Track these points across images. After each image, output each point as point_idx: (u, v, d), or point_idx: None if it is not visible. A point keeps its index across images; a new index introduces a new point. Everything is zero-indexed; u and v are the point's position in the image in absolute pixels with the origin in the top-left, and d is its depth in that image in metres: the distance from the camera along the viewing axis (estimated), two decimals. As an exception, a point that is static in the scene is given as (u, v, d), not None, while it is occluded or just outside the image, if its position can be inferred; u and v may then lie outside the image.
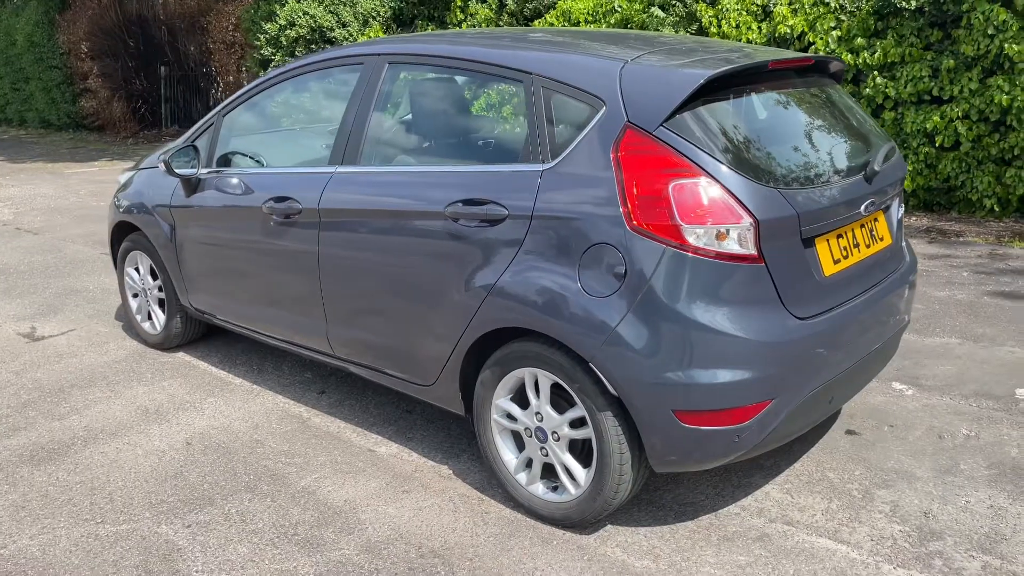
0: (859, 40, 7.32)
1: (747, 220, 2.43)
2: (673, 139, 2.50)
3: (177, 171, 3.85)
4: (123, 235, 4.65)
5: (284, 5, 12.41)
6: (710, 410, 2.50)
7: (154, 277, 4.51)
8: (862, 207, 2.81)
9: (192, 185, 3.96)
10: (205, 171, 3.89)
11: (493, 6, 10.19)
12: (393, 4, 11.40)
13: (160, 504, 3.10)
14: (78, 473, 3.34)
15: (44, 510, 3.09)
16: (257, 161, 3.88)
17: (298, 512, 3.02)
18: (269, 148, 3.95)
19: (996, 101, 6.75)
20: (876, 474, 3.14)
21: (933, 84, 7.04)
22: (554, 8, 9.53)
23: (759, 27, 7.86)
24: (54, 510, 3.08)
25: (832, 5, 7.44)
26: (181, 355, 4.57)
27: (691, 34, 8.29)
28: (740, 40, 7.89)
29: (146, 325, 4.67)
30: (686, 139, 2.50)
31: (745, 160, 2.55)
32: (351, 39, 11.53)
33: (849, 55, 7.36)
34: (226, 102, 3.96)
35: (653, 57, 2.74)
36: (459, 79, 3.20)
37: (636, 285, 2.48)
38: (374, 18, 11.41)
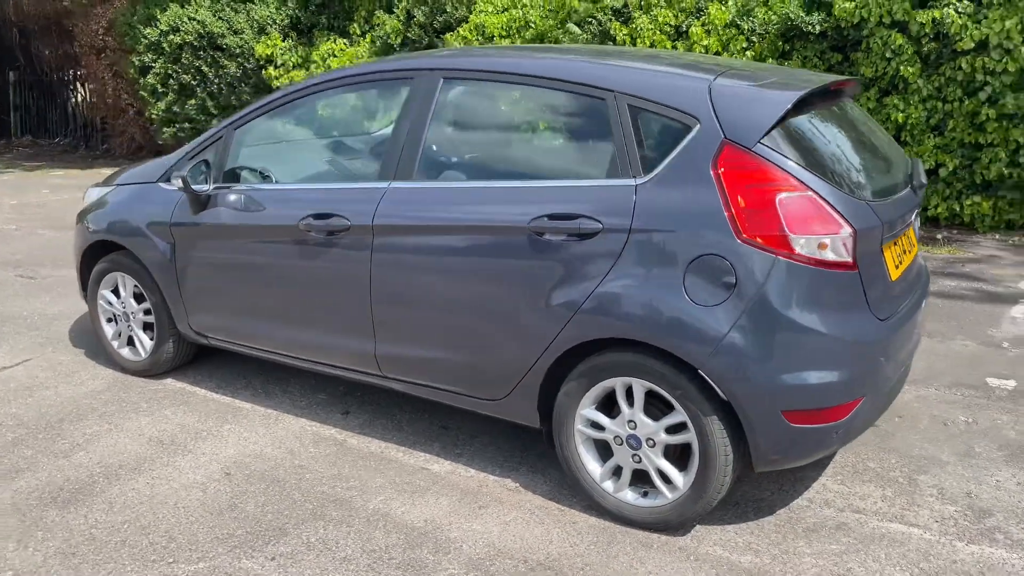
0: (769, 61, 7.82)
1: (847, 230, 2.62)
2: (771, 155, 2.66)
3: (195, 188, 3.65)
4: (96, 256, 4.34)
5: (166, 9, 11.86)
6: (816, 409, 2.66)
7: (138, 300, 4.23)
8: (912, 216, 3.07)
9: (202, 202, 3.77)
10: (229, 188, 3.71)
11: (401, 17, 10.16)
12: (291, 12, 11.12)
13: (229, 538, 2.96)
14: (117, 512, 3.13)
15: (99, 555, 2.88)
16: (266, 176, 3.75)
17: (382, 536, 2.96)
18: (291, 163, 3.83)
19: (892, 119, 7.39)
20: (909, 461, 3.41)
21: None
22: (466, 22, 9.61)
23: (673, 46, 8.22)
24: (111, 553, 2.88)
25: (744, 27, 7.90)
26: (170, 382, 4.32)
27: (608, 50, 8.55)
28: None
29: (125, 351, 4.38)
30: (782, 154, 2.66)
31: (833, 173, 2.74)
32: (245, 47, 11.16)
33: (763, 73, 7.83)
34: (237, 115, 3.80)
35: (730, 78, 2.88)
36: (528, 94, 3.23)
37: (746, 293, 2.61)
38: (271, 25, 11.09)
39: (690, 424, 2.78)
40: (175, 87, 12.17)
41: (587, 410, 2.99)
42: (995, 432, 3.66)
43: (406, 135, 3.28)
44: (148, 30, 11.94)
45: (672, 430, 2.85)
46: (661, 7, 8.50)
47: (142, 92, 12.47)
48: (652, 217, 2.75)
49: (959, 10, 6.96)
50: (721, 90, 2.79)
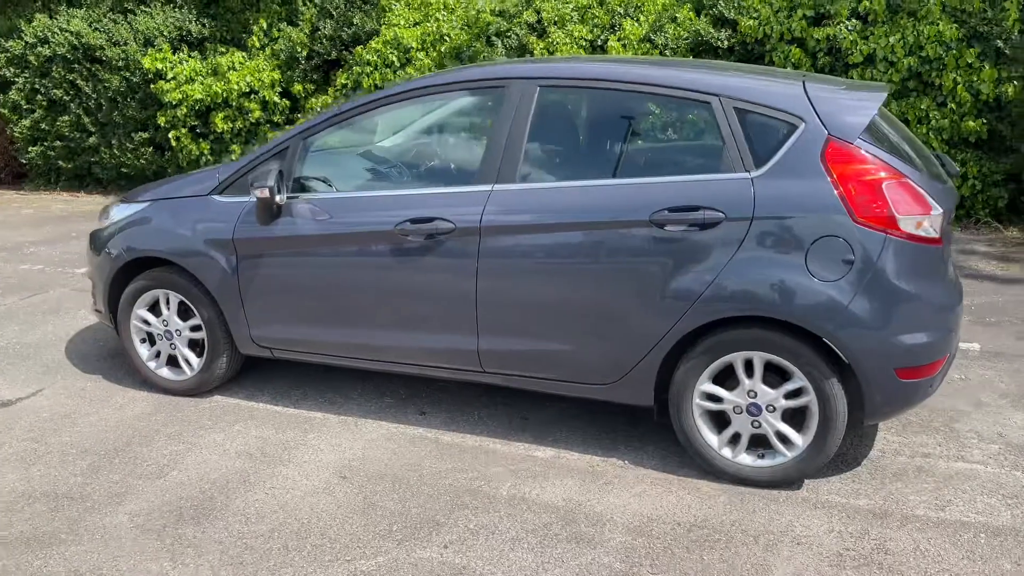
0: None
1: (937, 210, 3.10)
2: (869, 147, 3.10)
3: (280, 197, 3.66)
4: (128, 276, 4.20)
5: (31, 20, 11.13)
6: (919, 366, 3.12)
7: (182, 318, 4.14)
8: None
9: (274, 212, 3.78)
10: (312, 197, 3.74)
11: (306, 30, 10.09)
12: (180, 24, 10.75)
13: (390, 533, 3.05)
14: (256, 523, 3.13)
15: (269, 560, 2.90)
16: (340, 185, 3.83)
17: (533, 516, 3.14)
18: (368, 171, 3.90)
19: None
20: (939, 413, 3.96)
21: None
22: (378, 35, 9.69)
23: (594, 58, 8.69)
24: (281, 558, 2.91)
25: (657, 42, 8.51)
26: (220, 399, 4.24)
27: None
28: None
29: (164, 372, 4.26)
30: (877, 147, 3.11)
31: (913, 162, 3.22)
32: (129, 60, 10.65)
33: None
34: (306, 125, 3.84)
35: (814, 83, 3.31)
36: (629, 100, 3.50)
37: (863, 268, 3.03)
38: (158, 37, 10.67)
39: (809, 388, 3.16)
40: (43, 103, 11.43)
41: (705, 385, 3.30)
42: (989, 385, 4.29)
43: (506, 140, 3.47)
44: (11, 43, 11.15)
45: (790, 396, 3.21)
46: (574, 22, 8.96)
47: (1, 109, 11.60)
48: (772, 206, 3.11)
49: (850, 28, 7.84)
50: (816, 93, 3.21)
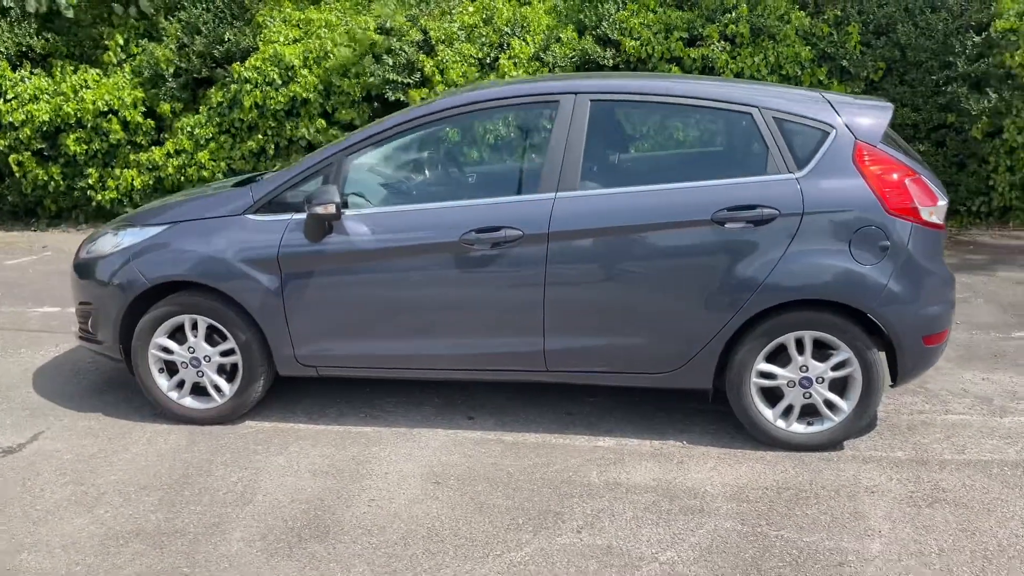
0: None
1: (943, 202, 3.70)
2: (887, 150, 3.66)
3: (330, 213, 3.67)
4: (144, 304, 4.03)
5: None
6: (939, 332, 3.70)
7: (210, 343, 4.03)
8: None
9: (326, 228, 3.80)
10: (370, 212, 3.79)
11: (172, 46, 9.69)
12: (19, 39, 9.94)
13: (519, 526, 3.21)
14: (379, 534, 3.19)
15: (421, 564, 2.98)
16: (376, 199, 3.92)
17: (638, 496, 3.41)
18: (420, 185, 3.99)
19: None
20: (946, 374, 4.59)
21: (631, 122, 9.02)
22: (255, 51, 9.50)
23: (480, 77, 8.98)
24: (433, 561, 3.00)
25: (547, 61, 8.99)
26: (253, 423, 4.15)
27: (417, 82, 9.11)
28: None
29: (189, 401, 4.10)
30: (893, 149, 3.68)
31: (918, 161, 3.81)
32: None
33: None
34: (349, 142, 3.89)
35: (832, 95, 3.83)
36: (677, 112, 3.85)
37: (896, 253, 3.57)
38: (-7, 54, 9.82)
39: (854, 359, 3.65)
40: None
41: (761, 364, 3.72)
42: (973, 348, 4.97)
43: (564, 150, 3.72)
44: None
45: (836, 367, 3.69)
46: (462, 41, 9.25)
47: None
48: (818, 202, 3.58)
49: (720, 49, 8.68)
50: (838, 104, 3.72)
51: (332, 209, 3.67)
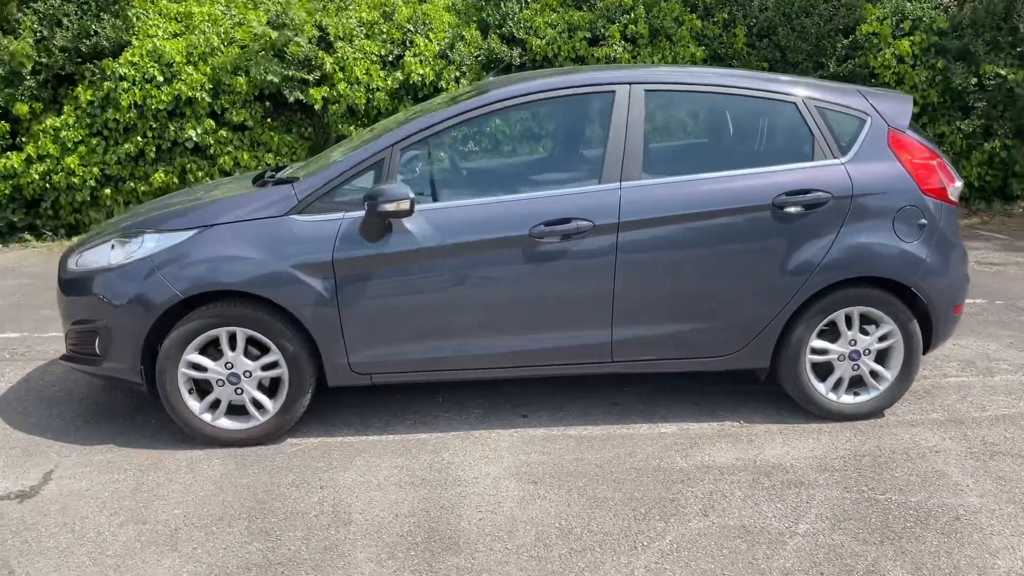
0: (479, 86, 8.97)
1: (959, 182, 4.06)
2: (914, 135, 3.97)
3: (404, 210, 3.49)
4: (171, 319, 3.66)
5: None
6: (962, 301, 4.06)
7: (250, 356, 3.72)
8: None
9: (385, 227, 3.62)
10: (435, 208, 3.63)
11: (29, 40, 8.78)
12: None
13: (647, 516, 3.21)
14: (511, 539, 3.08)
15: (574, 562, 2.92)
16: (434, 194, 3.79)
17: (732, 476, 3.49)
18: (477, 177, 3.86)
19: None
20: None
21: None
22: (131, 46, 8.79)
23: (385, 75, 8.77)
24: (587, 559, 2.94)
25: (453, 59, 8.94)
26: (294, 441, 3.85)
27: (317, 79, 8.79)
28: (371, 85, 8.69)
29: (224, 422, 3.76)
30: (916, 134, 4.00)
31: (935, 146, 4.15)
32: None
33: (476, 98, 8.95)
34: (401, 135, 3.71)
35: (858, 87, 4.10)
36: (724, 101, 3.92)
37: (932, 229, 3.88)
38: None
39: (896, 331, 3.92)
40: None
41: (815, 341, 3.92)
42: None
43: (625, 140, 3.74)
44: None
45: (881, 339, 3.95)
46: (361, 38, 9.01)
47: None
48: (864, 185, 3.82)
49: (622, 48, 8.99)
50: (868, 95, 3.99)
51: (406, 206, 3.48)
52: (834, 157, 3.82)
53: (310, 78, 8.77)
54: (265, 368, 3.70)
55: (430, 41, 8.92)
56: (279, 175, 4.11)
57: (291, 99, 8.70)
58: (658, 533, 3.07)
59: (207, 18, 9.11)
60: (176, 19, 9.12)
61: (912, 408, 4.09)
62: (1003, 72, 9.03)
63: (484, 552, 2.96)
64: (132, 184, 8.81)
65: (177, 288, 3.56)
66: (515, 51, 8.86)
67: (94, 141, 8.71)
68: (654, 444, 3.76)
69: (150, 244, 3.66)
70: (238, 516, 3.21)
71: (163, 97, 8.59)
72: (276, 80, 8.48)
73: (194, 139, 8.73)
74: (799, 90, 3.91)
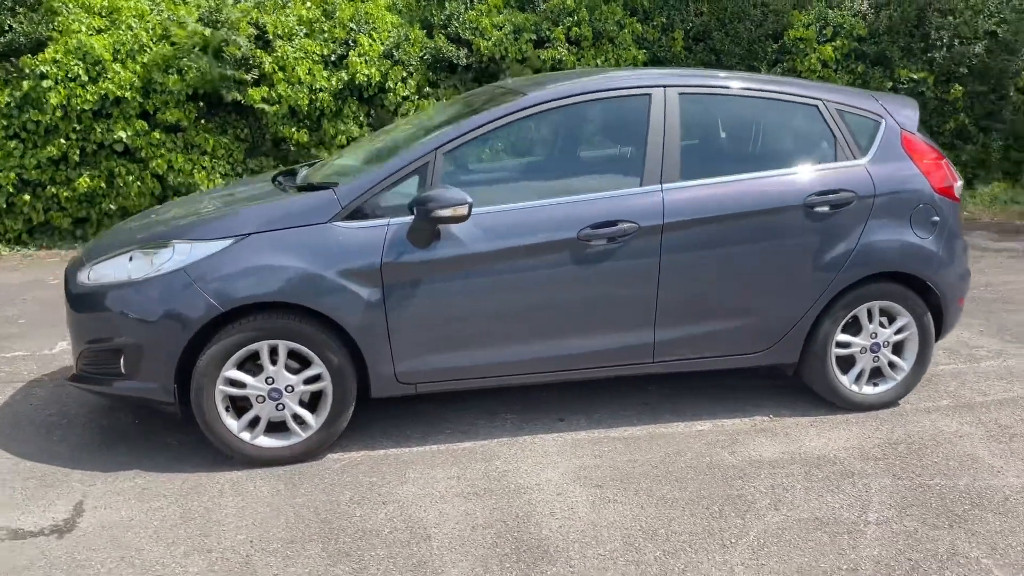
0: (425, 89, 8.90)
1: (961, 180, 4.30)
2: (922, 137, 4.19)
3: (461, 215, 3.43)
4: (205, 334, 3.47)
5: None
6: (966, 293, 4.31)
7: (291, 370, 3.57)
8: None
9: (434, 233, 3.54)
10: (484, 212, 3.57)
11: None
12: None
13: (726, 510, 3.25)
14: (600, 545, 3.06)
15: (685, 557, 2.95)
16: (488, 197, 3.74)
17: (784, 469, 3.59)
18: (518, 181, 3.82)
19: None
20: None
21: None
22: (52, 42, 8.27)
23: (329, 75, 8.55)
24: (704, 552, 2.98)
25: (398, 58, 8.82)
26: (335, 456, 3.71)
27: (255, 78, 8.50)
28: (314, 86, 8.47)
29: (263, 441, 3.59)
30: (923, 136, 4.23)
31: (938, 147, 4.38)
32: None
33: (424, 100, 8.87)
34: (443, 139, 3.63)
35: (870, 91, 4.29)
36: (752, 104, 4.00)
37: (942, 226, 4.10)
38: None
39: (912, 323, 4.12)
40: None
41: (840, 336, 4.07)
42: None
43: (663, 142, 3.79)
44: None
45: (898, 331, 4.14)
46: (301, 37, 8.77)
47: None
48: (883, 185, 3.99)
49: (567, 50, 9.07)
50: (880, 98, 4.18)
51: (464, 211, 3.41)
52: (855, 158, 3.97)
53: (248, 78, 8.44)
54: (307, 382, 3.55)
55: (374, 41, 8.74)
56: (302, 180, 3.95)
57: (228, 99, 8.36)
58: (740, 529, 3.11)
59: (135, 13, 8.63)
60: (100, 14, 8.60)
61: (921, 396, 4.30)
62: (915, 76, 9.60)
63: (579, 559, 2.93)
64: (54, 189, 8.27)
65: (217, 301, 3.37)
66: (462, 52, 8.79)
67: (11, 144, 8.14)
68: (697, 442, 3.81)
69: (182, 255, 3.45)
70: (309, 538, 3.06)
71: (89, 97, 8.11)
72: (214, 79, 8.13)
73: (124, 141, 8.26)
74: (820, 93, 4.04)
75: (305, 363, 3.55)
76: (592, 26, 9.08)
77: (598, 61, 9.13)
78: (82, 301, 3.59)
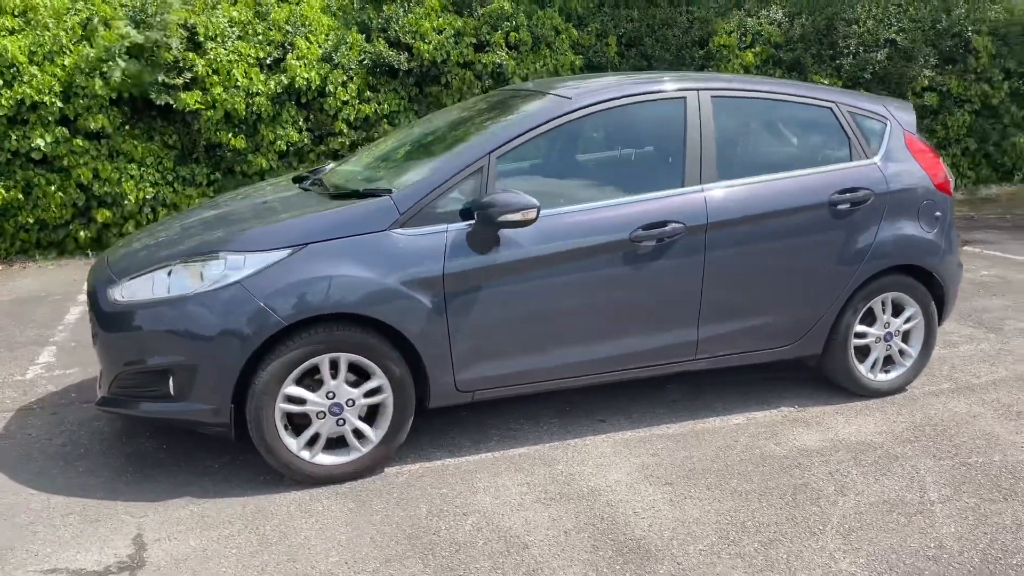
0: (365, 94, 8.77)
1: (952, 176, 4.61)
2: (920, 137, 4.48)
3: (530, 219, 3.41)
4: (261, 351, 3.32)
5: None
6: (960, 283, 4.61)
7: (351, 383, 3.46)
8: None
9: (495, 238, 3.52)
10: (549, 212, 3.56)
11: None
12: None
13: (800, 498, 3.35)
14: (695, 540, 3.13)
15: (797, 545, 3.04)
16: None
17: (831, 457, 3.73)
18: (568, 183, 3.82)
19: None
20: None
21: (424, 127, 9.07)
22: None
23: (266, 79, 8.28)
24: (793, 540, 3.07)
25: (340, 62, 8.64)
26: (394, 470, 3.60)
27: (187, 81, 8.17)
28: (251, 90, 8.19)
29: (323, 458, 3.45)
30: (920, 135, 4.51)
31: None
32: None
33: (364, 105, 8.72)
34: (495, 144, 3.60)
35: (876, 95, 4.54)
36: (776, 107, 4.13)
37: (944, 220, 4.37)
38: None
39: (919, 312, 4.38)
40: None
41: (858, 327, 4.29)
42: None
43: (700, 144, 3.89)
44: None
45: (907, 320, 4.39)
46: (234, 39, 8.47)
47: None
48: (895, 182, 4.23)
49: (507, 55, 9.12)
50: (883, 101, 4.43)
51: (533, 215, 3.38)
52: (868, 158, 4.19)
53: (180, 81, 8.07)
54: (367, 395, 3.43)
55: (311, 43, 8.52)
56: (342, 185, 3.84)
57: (160, 103, 7.97)
58: (820, 516, 3.22)
59: (51, 13, 8.08)
60: (13, 14, 8.02)
61: (924, 382, 4.56)
62: (825, 81, 10.16)
63: (683, 556, 2.96)
64: (-39, 202, 7.66)
65: (280, 314, 3.21)
66: (403, 56, 8.68)
67: (-87, 154, 7.49)
68: (740, 435, 3.92)
69: (236, 267, 3.27)
70: (405, 555, 2.97)
71: (3, 102, 7.56)
72: (146, 82, 7.73)
73: (43, 149, 7.75)
74: (833, 95, 4.24)
75: (362, 376, 3.42)
76: (531, 31, 9.15)
77: (537, 66, 9.20)
78: (117, 320, 3.34)
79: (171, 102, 7.99)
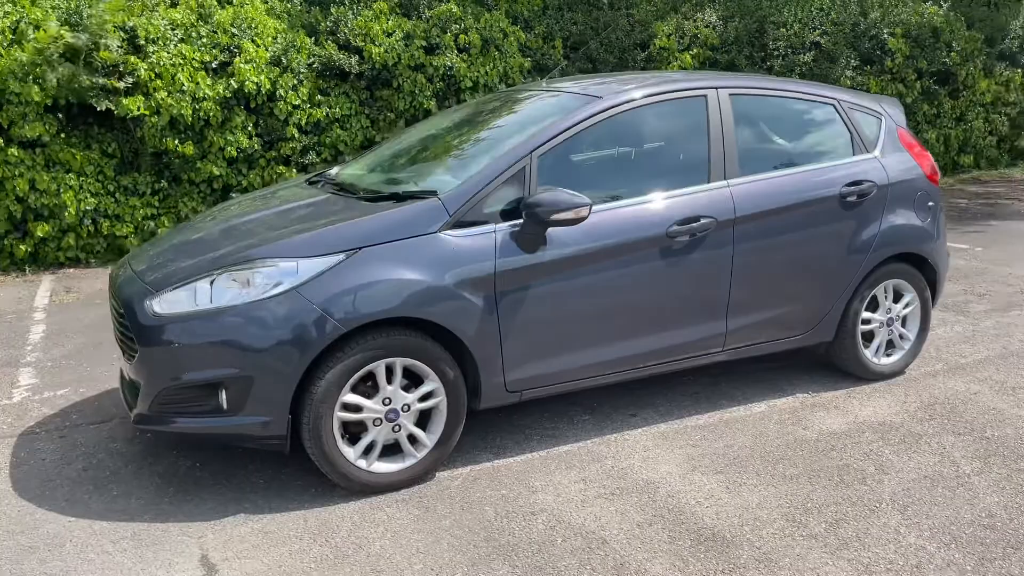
0: (316, 98, 8.62)
1: (938, 169, 4.87)
2: (909, 131, 4.72)
3: (583, 217, 3.43)
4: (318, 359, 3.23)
5: None
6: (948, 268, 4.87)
7: (407, 390, 3.41)
8: None
9: (543, 237, 3.53)
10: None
11: None
12: None
13: (848, 479, 3.48)
14: (762, 525, 3.22)
15: (847, 529, 3.16)
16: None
17: (861, 438, 3.89)
18: (602, 180, 3.84)
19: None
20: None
21: (375, 132, 8.99)
22: None
23: (213, 83, 8.04)
24: (855, 520, 3.19)
25: (291, 65, 8.47)
26: (444, 475, 3.54)
27: (128, 86, 7.87)
28: (197, 94, 7.93)
29: (380, 466, 3.38)
30: (909, 130, 4.76)
31: (915, 140, 4.92)
32: None
33: (315, 109, 8.57)
34: (536, 143, 3.60)
35: (867, 93, 4.75)
36: (787, 103, 4.25)
37: (934, 210, 4.62)
38: None
39: (916, 299, 4.61)
40: None
41: (864, 314, 4.48)
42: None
43: (723, 140, 4.00)
44: None
45: (905, 306, 4.61)
46: (176, 41, 8.20)
47: None
48: (893, 175, 4.44)
49: (458, 57, 9.11)
50: (880, 99, 4.65)
51: (585, 212, 3.40)
52: (868, 152, 4.38)
53: (120, 86, 7.73)
54: (421, 399, 3.38)
55: (259, 46, 8.30)
56: (375, 186, 3.76)
57: (100, 109, 7.62)
58: (872, 495, 3.35)
59: (-21, 16, 7.62)
60: (-62, 17, 7.53)
61: (919, 364, 4.78)
62: (759, 82, 10.50)
63: (759, 541, 3.03)
64: None
65: (339, 320, 3.13)
66: (353, 59, 8.56)
67: None
68: (768, 422, 4.03)
69: (289, 274, 3.16)
70: (489, 558, 2.94)
71: (-45, 110, 7.10)
72: (84, 87, 7.39)
73: (-26, 159, 7.31)
74: (833, 92, 4.42)
75: (416, 379, 3.37)
76: (480, 34, 9.15)
77: (487, 68, 9.21)
78: (159, 335, 3.18)
79: (112, 107, 7.64)
